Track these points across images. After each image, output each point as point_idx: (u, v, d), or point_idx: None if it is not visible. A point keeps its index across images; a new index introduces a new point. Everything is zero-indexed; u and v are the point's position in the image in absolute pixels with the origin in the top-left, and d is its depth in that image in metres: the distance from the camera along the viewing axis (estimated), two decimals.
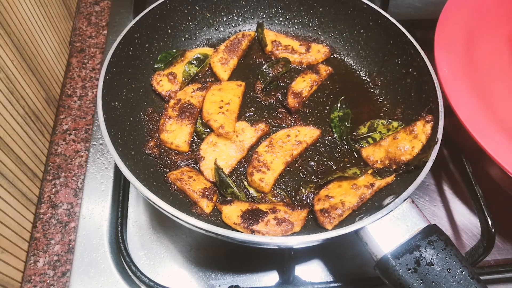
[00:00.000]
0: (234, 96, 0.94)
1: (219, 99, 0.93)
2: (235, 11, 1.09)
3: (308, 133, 0.89)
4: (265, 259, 0.85)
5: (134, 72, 0.93)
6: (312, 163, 0.88)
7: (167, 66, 0.99)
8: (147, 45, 0.96)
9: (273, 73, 1.01)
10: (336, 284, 0.79)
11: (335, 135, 0.92)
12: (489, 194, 0.81)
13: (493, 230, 0.77)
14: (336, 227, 0.74)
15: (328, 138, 0.92)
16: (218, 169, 0.82)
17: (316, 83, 1.00)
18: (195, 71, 0.99)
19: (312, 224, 0.78)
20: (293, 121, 0.95)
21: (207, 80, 1.01)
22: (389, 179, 0.80)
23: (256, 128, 0.90)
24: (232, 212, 0.75)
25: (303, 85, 0.98)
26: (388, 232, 0.66)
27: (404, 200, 0.68)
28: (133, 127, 0.87)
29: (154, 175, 0.83)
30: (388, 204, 0.67)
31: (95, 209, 0.91)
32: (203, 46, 1.08)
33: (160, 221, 0.89)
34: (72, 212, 0.95)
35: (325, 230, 0.74)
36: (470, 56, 0.88)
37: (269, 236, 0.70)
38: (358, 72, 1.04)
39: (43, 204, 0.96)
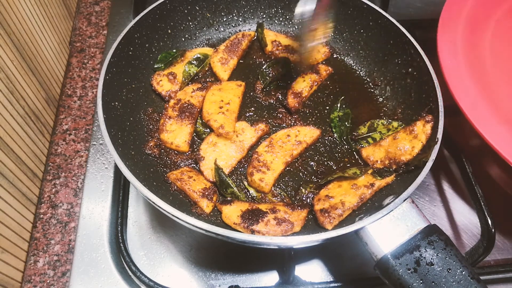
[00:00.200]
0: (234, 96, 0.94)
1: (219, 99, 0.93)
2: (235, 11, 1.09)
3: (308, 133, 0.89)
4: (265, 259, 0.85)
5: (134, 72, 0.93)
6: (312, 163, 0.88)
7: (167, 66, 0.99)
8: (147, 45, 0.96)
9: (273, 73, 1.01)
10: (336, 284, 0.79)
11: (335, 135, 0.92)
12: (489, 194, 0.81)
13: (493, 230, 0.76)
14: (336, 227, 0.74)
15: (328, 138, 0.92)
16: (218, 169, 0.82)
17: (316, 83, 1.00)
18: (195, 71, 0.99)
19: (312, 224, 0.78)
20: (293, 121, 0.95)
21: (207, 80, 1.01)
22: (389, 179, 0.80)
23: (256, 128, 0.90)
24: (232, 212, 0.75)
25: (303, 85, 0.98)
26: (388, 232, 0.66)
27: (404, 200, 0.68)
28: (133, 127, 0.87)
29: (154, 175, 0.83)
30: (388, 204, 0.67)
31: (95, 209, 0.91)
32: (203, 46, 1.08)
33: (160, 221, 0.89)
34: (72, 212, 0.95)
35: (325, 230, 0.74)
36: (473, 47, 0.88)
37: (269, 236, 0.70)
38: (358, 72, 1.04)
39: (43, 204, 0.96)
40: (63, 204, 0.96)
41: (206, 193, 0.79)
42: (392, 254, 0.64)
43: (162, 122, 0.90)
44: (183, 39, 1.05)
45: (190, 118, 0.90)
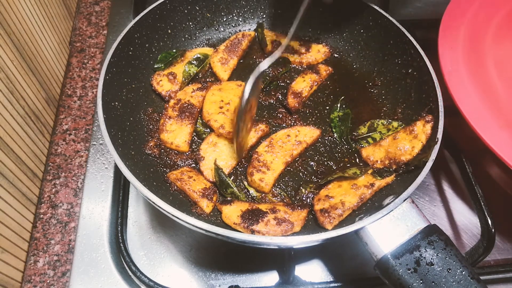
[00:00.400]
0: (234, 96, 0.94)
1: (219, 99, 0.93)
2: (235, 11, 1.09)
3: (308, 133, 0.89)
4: (265, 259, 0.85)
5: (134, 72, 0.93)
6: (312, 163, 0.88)
7: (167, 66, 0.99)
8: (147, 45, 0.96)
9: (273, 73, 1.01)
10: (336, 284, 0.79)
11: (335, 135, 0.92)
12: (489, 194, 0.81)
13: (493, 230, 0.76)
14: (336, 227, 0.74)
15: (328, 138, 0.92)
16: (218, 169, 0.82)
17: (316, 83, 1.00)
18: (195, 71, 0.99)
19: (312, 224, 0.78)
20: (293, 121, 0.95)
21: (207, 80, 1.01)
22: (389, 179, 0.80)
23: (256, 128, 0.90)
24: (232, 212, 0.75)
25: (303, 85, 0.98)
26: (388, 232, 0.66)
27: (404, 200, 0.68)
28: (133, 127, 0.87)
29: (154, 175, 0.83)
30: (388, 204, 0.67)
31: (95, 209, 0.91)
32: (203, 46, 1.08)
33: (160, 221, 0.89)
34: (72, 212, 0.95)
35: (325, 230, 0.74)
36: (474, 52, 0.88)
37: (269, 236, 0.70)
38: (358, 72, 1.04)
39: (43, 204, 0.96)
40: (63, 204, 0.96)
41: (206, 193, 0.79)
42: (392, 254, 0.64)
43: (162, 122, 0.90)
44: (183, 39, 1.05)
45: (190, 118, 0.90)
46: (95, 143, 1.01)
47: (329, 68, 1.03)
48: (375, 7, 0.98)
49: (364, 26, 1.02)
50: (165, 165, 0.86)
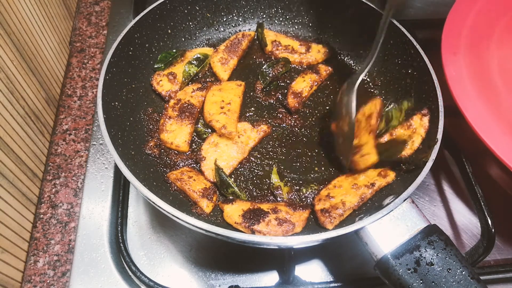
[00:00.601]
0: (235, 96, 0.94)
1: (220, 99, 0.93)
2: (235, 11, 1.09)
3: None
4: (265, 259, 0.85)
5: (134, 72, 0.93)
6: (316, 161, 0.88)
7: (167, 66, 0.99)
8: (147, 45, 0.96)
9: (273, 73, 1.01)
10: (336, 284, 0.79)
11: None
12: (489, 194, 0.81)
13: (493, 230, 0.77)
14: (336, 227, 0.74)
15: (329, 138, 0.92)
16: (218, 169, 0.82)
17: (316, 83, 1.00)
18: (195, 71, 0.99)
19: (313, 224, 0.79)
20: (293, 121, 0.95)
21: (207, 80, 1.01)
22: (389, 179, 0.80)
23: (258, 129, 0.90)
24: (234, 211, 0.75)
25: (303, 85, 0.98)
26: (388, 232, 0.66)
27: (404, 200, 0.68)
28: (133, 127, 0.87)
29: (154, 175, 0.83)
30: (388, 204, 0.67)
31: (95, 209, 0.91)
32: (203, 46, 1.08)
33: (160, 221, 0.89)
34: (72, 212, 0.95)
35: (326, 230, 0.74)
36: (477, 57, 0.88)
37: (269, 236, 0.70)
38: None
39: (43, 204, 0.96)
40: (63, 204, 0.96)
41: (206, 193, 0.79)
42: (392, 254, 0.64)
43: (162, 122, 0.90)
44: (183, 39, 1.05)
45: (190, 118, 0.90)
46: (95, 143, 1.01)
47: (329, 68, 1.03)
48: (375, 7, 0.97)
49: (364, 26, 1.02)
50: (165, 165, 0.86)
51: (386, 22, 0.79)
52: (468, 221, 0.93)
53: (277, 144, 0.91)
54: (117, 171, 0.93)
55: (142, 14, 0.93)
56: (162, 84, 0.95)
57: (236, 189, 0.81)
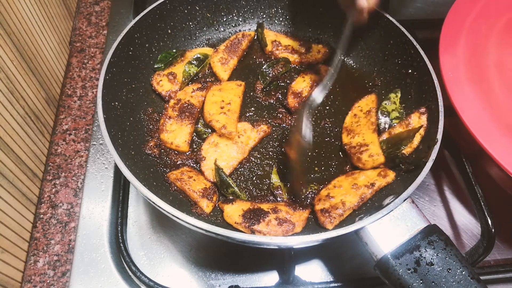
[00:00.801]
0: (235, 96, 0.94)
1: (220, 99, 0.93)
2: (235, 11, 1.09)
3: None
4: (265, 259, 0.85)
5: (134, 72, 0.93)
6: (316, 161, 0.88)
7: (167, 66, 0.99)
8: (147, 45, 0.96)
9: (273, 73, 1.01)
10: (336, 284, 0.79)
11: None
12: (489, 194, 0.81)
13: (493, 230, 0.76)
14: (336, 227, 0.74)
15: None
16: (218, 169, 0.82)
17: (316, 83, 1.00)
18: (195, 71, 0.99)
19: (313, 224, 0.78)
20: (293, 121, 0.95)
21: (207, 80, 1.01)
22: (389, 179, 0.80)
23: (258, 129, 0.90)
24: (234, 211, 0.75)
25: (303, 85, 0.98)
26: (388, 232, 0.66)
27: (404, 200, 0.68)
28: (133, 127, 0.87)
29: (154, 175, 0.83)
30: (388, 204, 0.67)
31: (95, 209, 0.91)
32: (203, 46, 1.08)
33: (160, 221, 0.89)
34: (72, 212, 0.95)
35: (326, 230, 0.74)
36: (475, 59, 0.88)
37: (269, 236, 0.70)
38: (358, 72, 1.04)
39: (43, 204, 0.96)
40: (63, 204, 0.96)
41: (206, 193, 0.79)
42: (392, 254, 0.64)
43: (162, 122, 0.90)
44: (183, 39, 1.05)
45: (190, 118, 0.90)
46: (95, 143, 1.01)
47: (329, 68, 1.03)
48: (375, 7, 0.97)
49: (364, 26, 1.01)
50: (165, 165, 0.86)
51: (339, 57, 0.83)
52: (468, 221, 0.93)
53: (277, 144, 0.91)
54: (117, 171, 0.93)
55: (142, 14, 0.93)
56: (162, 84, 0.95)
57: (236, 189, 0.81)
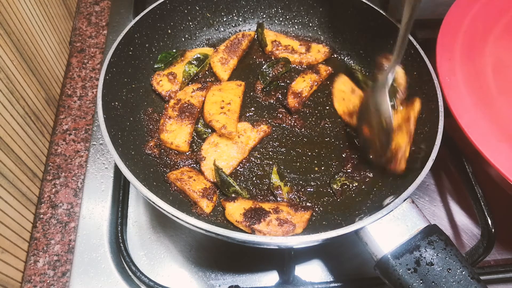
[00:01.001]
0: (235, 96, 0.94)
1: (220, 99, 0.93)
2: (235, 11, 1.09)
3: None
4: (265, 259, 0.85)
5: (134, 72, 0.93)
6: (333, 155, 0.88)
7: (167, 66, 0.99)
8: (147, 45, 0.96)
9: (273, 73, 1.01)
10: (336, 284, 0.79)
11: None
12: (489, 194, 0.81)
13: (493, 230, 0.76)
14: (337, 226, 0.74)
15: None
16: (218, 169, 0.82)
17: (316, 83, 1.00)
18: (195, 71, 0.99)
19: (313, 225, 0.79)
20: (293, 121, 0.95)
21: (207, 80, 1.01)
22: (417, 107, 0.82)
23: (258, 129, 0.90)
24: (235, 209, 0.75)
25: (303, 85, 0.98)
26: (388, 232, 0.66)
27: (404, 200, 0.68)
28: (133, 127, 0.87)
29: (154, 175, 0.83)
30: (388, 204, 0.67)
31: (95, 209, 0.91)
32: (203, 46, 1.08)
33: (160, 221, 0.89)
34: (72, 212, 0.95)
35: (325, 230, 0.74)
36: (472, 63, 0.87)
37: (269, 236, 0.70)
38: (358, 72, 1.04)
39: (43, 204, 0.96)
40: (63, 204, 0.96)
41: (206, 193, 0.79)
42: (392, 254, 0.64)
43: (162, 122, 0.90)
44: (183, 39, 1.05)
45: (190, 118, 0.90)
46: (95, 143, 1.01)
47: (329, 68, 1.03)
48: (375, 7, 0.97)
49: (364, 26, 1.02)
50: (165, 165, 0.86)
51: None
52: (468, 221, 0.93)
53: (277, 144, 0.91)
54: (117, 171, 0.93)
55: (142, 14, 0.93)
56: (162, 84, 0.95)
57: (237, 187, 0.81)
